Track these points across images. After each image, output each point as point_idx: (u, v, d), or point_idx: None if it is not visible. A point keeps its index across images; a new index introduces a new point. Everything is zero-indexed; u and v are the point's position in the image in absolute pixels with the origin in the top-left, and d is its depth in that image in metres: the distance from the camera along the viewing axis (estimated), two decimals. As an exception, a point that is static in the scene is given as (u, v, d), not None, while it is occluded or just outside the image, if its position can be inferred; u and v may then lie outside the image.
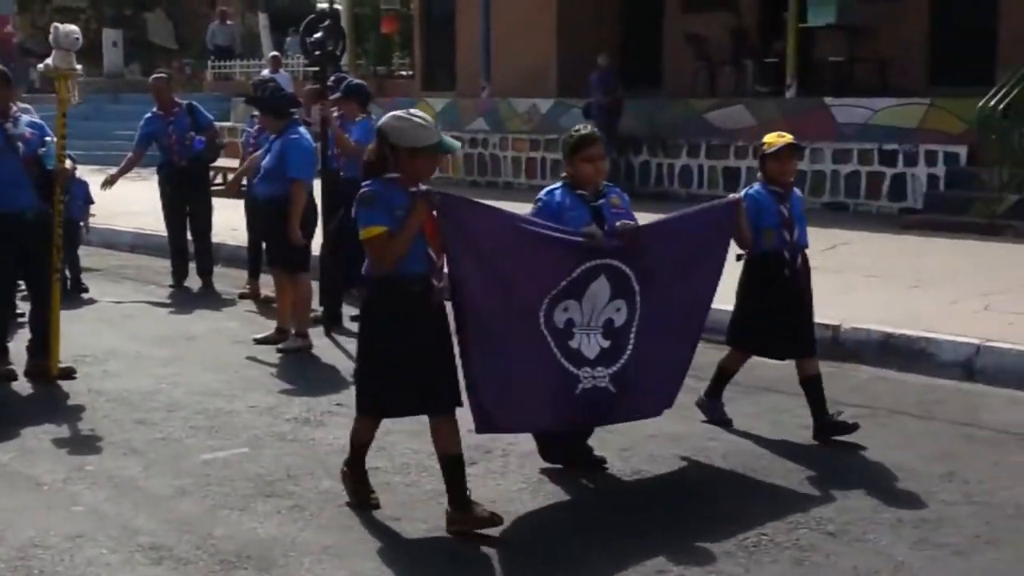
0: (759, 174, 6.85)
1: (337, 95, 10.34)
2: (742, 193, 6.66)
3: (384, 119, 5.37)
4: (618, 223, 5.86)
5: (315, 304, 9.68)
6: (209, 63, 30.32)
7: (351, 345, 9.16)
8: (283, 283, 9.30)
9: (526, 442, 6.54)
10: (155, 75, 12.47)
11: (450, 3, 22.69)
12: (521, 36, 20.42)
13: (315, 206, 9.49)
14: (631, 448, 6.51)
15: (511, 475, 6.13)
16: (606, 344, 5.88)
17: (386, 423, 6.89)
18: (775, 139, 6.85)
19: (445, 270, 5.43)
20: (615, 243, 5.81)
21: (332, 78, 10.82)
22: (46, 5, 37.81)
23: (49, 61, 8.15)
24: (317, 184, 9.62)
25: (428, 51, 24.03)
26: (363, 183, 5.37)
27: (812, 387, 6.79)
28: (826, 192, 15.81)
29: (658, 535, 5.29)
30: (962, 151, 14.66)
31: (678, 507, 5.66)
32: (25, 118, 8.26)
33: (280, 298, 9.44)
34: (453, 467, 5.41)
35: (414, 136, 5.26)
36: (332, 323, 9.67)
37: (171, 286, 11.82)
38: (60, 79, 8.19)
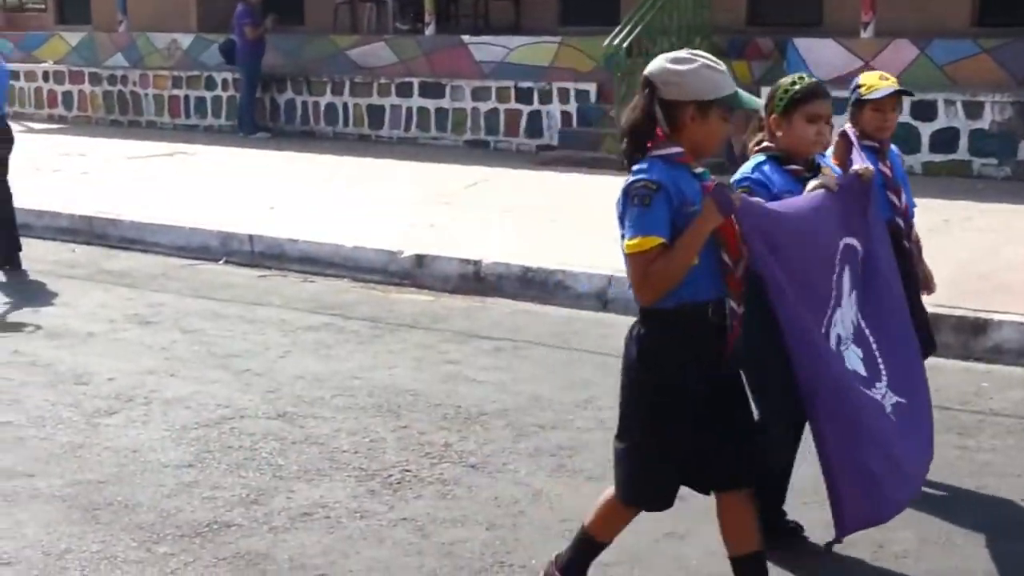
0: (848, 124, 4.92)
1: None
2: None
3: (653, 63, 3.76)
4: (856, 165, 4.31)
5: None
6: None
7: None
8: None
9: (169, 388, 6.45)
10: None
11: (82, -71, 21.65)
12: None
13: None
14: (277, 390, 6.49)
15: (153, 424, 5.99)
16: (860, 352, 4.21)
17: (14, 373, 6.68)
18: (876, 81, 5.00)
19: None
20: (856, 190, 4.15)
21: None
22: None
23: None
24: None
25: (61, -19, 22.89)
26: (632, 165, 3.77)
27: None
28: (467, 130, 16.07)
29: (301, 475, 5.30)
30: (592, 88, 15.20)
31: (322, 447, 5.67)
32: None
33: None
34: (756, 569, 4.01)
35: (702, 84, 3.68)
36: None
37: None
38: None
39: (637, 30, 13.72)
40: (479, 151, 15.60)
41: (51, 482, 5.21)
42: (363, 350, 7.35)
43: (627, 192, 3.70)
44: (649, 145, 3.73)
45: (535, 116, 15.57)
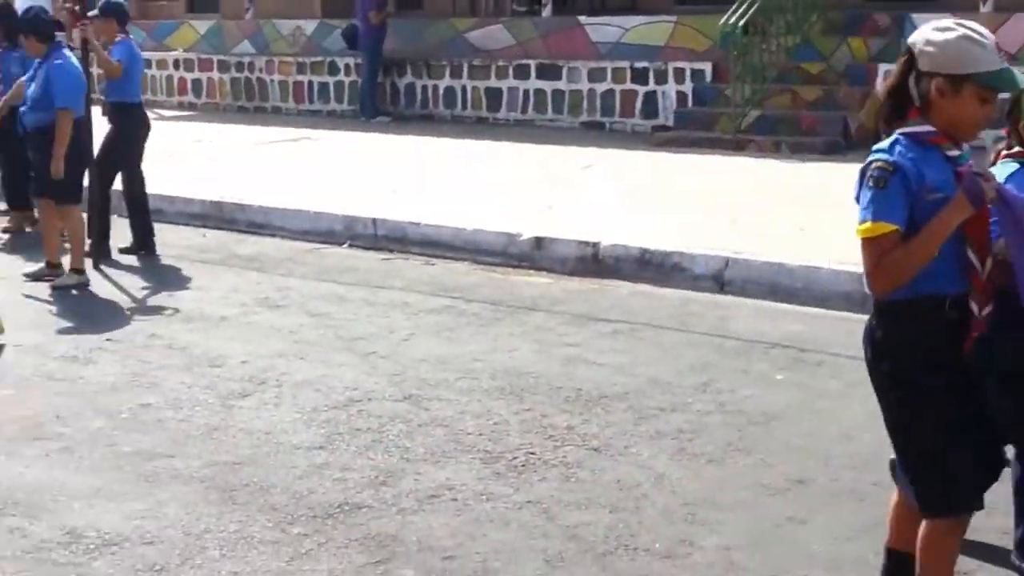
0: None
1: (94, 14, 10.04)
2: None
3: (918, 31, 3.51)
4: None
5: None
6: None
7: (123, 278, 9.08)
8: (50, 216, 9.06)
9: (299, 371, 6.67)
10: None
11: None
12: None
13: (89, 134, 9.22)
14: (402, 373, 6.65)
15: (285, 406, 6.20)
16: None
17: (152, 357, 6.93)
18: None
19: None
20: None
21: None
22: None
23: None
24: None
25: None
26: (876, 143, 3.51)
27: None
28: (583, 111, 16.12)
29: (428, 457, 5.45)
30: (707, 68, 15.15)
31: (447, 429, 5.81)
32: None
33: (47, 232, 9.18)
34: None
35: (956, 55, 3.39)
36: (100, 256, 9.50)
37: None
38: None
39: (753, 8, 13.66)
40: (595, 132, 15.66)
41: (189, 463, 5.43)
42: (484, 333, 7.48)
43: (863, 172, 3.46)
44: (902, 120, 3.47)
45: (651, 96, 15.57)
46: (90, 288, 8.79)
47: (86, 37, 9.59)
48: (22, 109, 9.09)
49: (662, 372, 6.61)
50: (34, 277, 8.97)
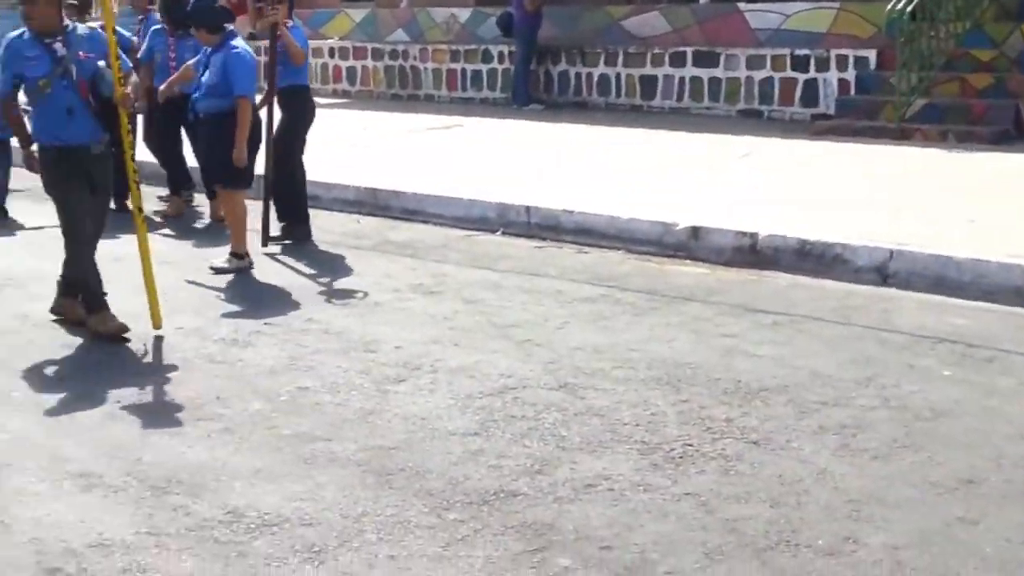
0: None
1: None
2: None
3: None
4: None
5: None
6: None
7: (280, 263, 9.21)
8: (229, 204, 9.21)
9: (453, 358, 6.66)
10: None
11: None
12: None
13: (259, 121, 9.34)
14: (557, 361, 6.60)
15: (440, 392, 6.19)
16: None
17: (309, 341, 7.00)
18: None
19: None
20: None
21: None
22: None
23: None
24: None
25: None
26: None
27: None
28: (740, 99, 15.89)
29: (584, 447, 5.39)
30: (872, 55, 14.80)
31: (604, 419, 5.74)
32: (83, 29, 7.34)
33: (229, 219, 9.24)
34: None
35: None
36: (270, 238, 9.72)
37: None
38: None
39: (922, -6, 13.29)
40: (752, 121, 15.43)
41: (346, 447, 5.45)
42: (640, 322, 7.39)
43: None
44: None
45: (811, 84, 15.29)
46: (251, 272, 8.92)
47: (275, 22, 9.70)
48: (194, 96, 9.16)
49: (823, 365, 6.44)
50: (221, 271, 8.98)
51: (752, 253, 8.84)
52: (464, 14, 19.48)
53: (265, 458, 5.33)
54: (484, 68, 18.75)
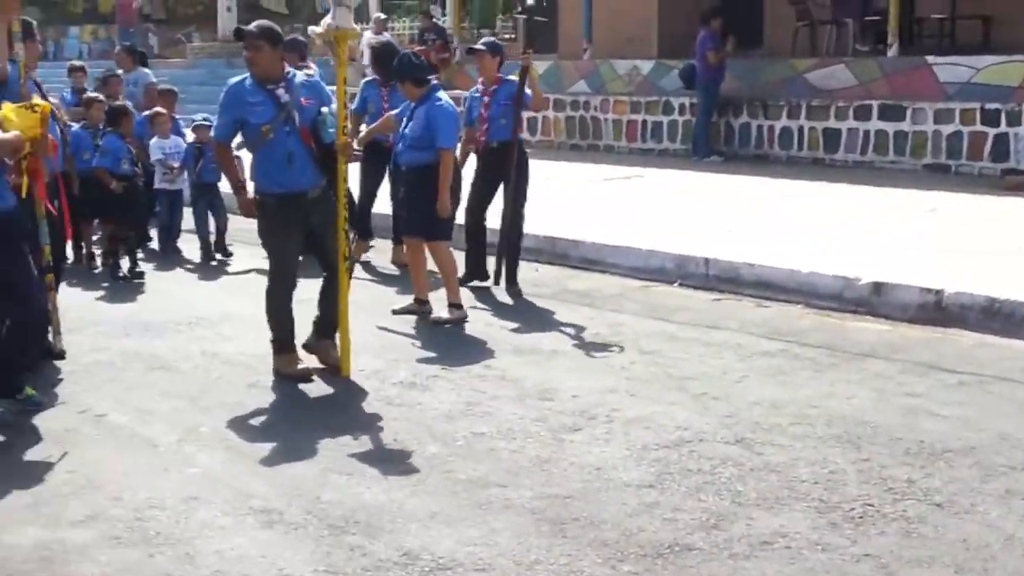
0: None
1: (482, 50, 10.34)
2: None
3: None
4: None
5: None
6: (318, 27, 30.44)
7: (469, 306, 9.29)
8: (420, 253, 9.13)
9: (630, 408, 6.64)
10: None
11: (554, -35, 22.66)
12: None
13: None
14: (734, 415, 6.53)
15: (615, 442, 6.17)
16: None
17: (486, 387, 7.06)
18: None
19: None
20: None
21: (433, 38, 10.88)
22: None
23: (327, 20, 7.35)
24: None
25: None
26: None
27: None
28: (927, 153, 15.56)
29: (760, 503, 5.31)
30: (1066, 109, 14.38)
31: (781, 475, 5.65)
32: (300, 76, 7.48)
33: (416, 269, 9.20)
34: None
35: None
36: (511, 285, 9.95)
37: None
38: (339, 40, 7.37)
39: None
40: (939, 175, 15.09)
41: (521, 493, 5.47)
42: (820, 378, 7.27)
43: None
44: None
45: (1001, 138, 14.88)
46: (430, 316, 9.01)
47: (527, 65, 9.81)
48: (398, 148, 9.19)
49: (1013, 428, 6.23)
50: (403, 312, 9.10)
51: (937, 310, 8.62)
52: (646, 66, 19.53)
53: (441, 502, 5.39)
54: (665, 119, 18.75)
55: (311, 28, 7.69)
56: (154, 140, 12.14)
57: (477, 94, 10.18)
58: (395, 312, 9.11)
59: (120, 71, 14.28)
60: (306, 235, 7.42)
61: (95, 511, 5.32)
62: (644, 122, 19.06)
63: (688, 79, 18.11)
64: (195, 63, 32.05)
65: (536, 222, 12.15)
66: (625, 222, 12.10)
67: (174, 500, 5.45)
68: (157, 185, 12.15)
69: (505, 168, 9.85)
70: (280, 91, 7.18)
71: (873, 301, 8.98)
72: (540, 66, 21.04)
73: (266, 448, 6.16)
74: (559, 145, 20.18)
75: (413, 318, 8.99)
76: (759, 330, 8.51)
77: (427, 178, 8.83)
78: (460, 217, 9.85)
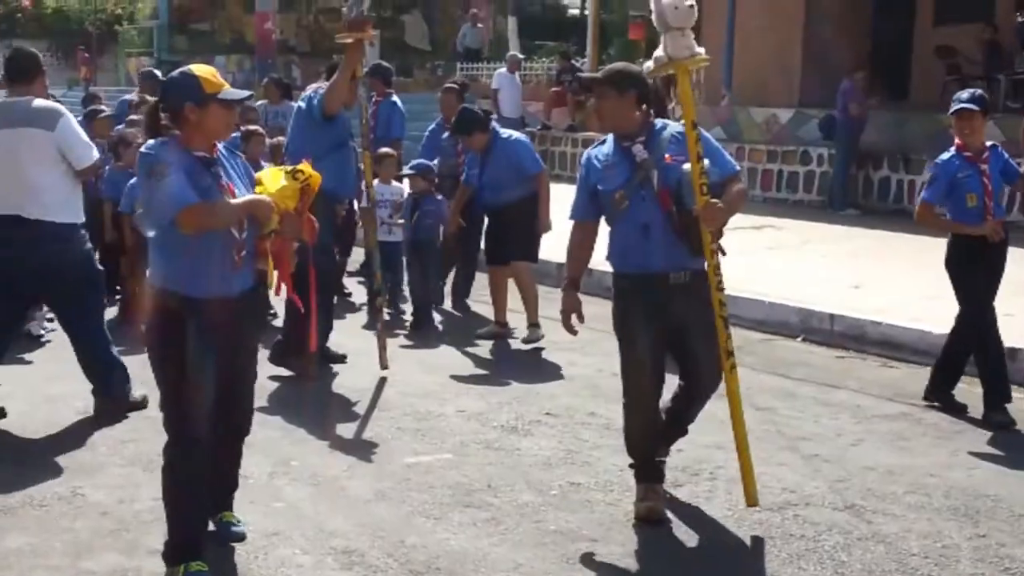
0: None
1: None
2: None
3: None
4: None
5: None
6: (458, 65, 30.66)
7: (578, 351, 9.13)
8: (502, 280, 9.59)
9: (734, 465, 6.35)
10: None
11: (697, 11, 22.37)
12: (765, 45, 19.94)
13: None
14: (846, 480, 6.20)
15: (717, 501, 5.90)
16: None
17: (588, 435, 6.83)
18: None
19: None
20: None
21: (569, 79, 10.86)
22: (311, 4, 38.86)
23: (659, 53, 5.64)
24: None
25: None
26: None
27: None
28: (1074, 215, 14.96)
29: (863, 574, 5.00)
30: None
31: (889, 546, 5.32)
32: (675, 127, 5.74)
33: (498, 294, 9.65)
34: None
35: None
36: None
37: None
38: (681, 71, 5.66)
39: None
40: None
41: (612, 549, 5.25)
42: (941, 446, 6.90)
43: None
44: None
45: None
46: (543, 357, 8.97)
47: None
48: (482, 193, 9.66)
49: None
50: (485, 336, 9.55)
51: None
52: (786, 115, 19.16)
53: (527, 552, 5.19)
54: (801, 170, 18.34)
55: (645, 64, 5.90)
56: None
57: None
58: (479, 336, 9.53)
59: (264, 101, 14.45)
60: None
61: (174, 540, 5.22)
62: (780, 171, 18.66)
63: (828, 130, 17.69)
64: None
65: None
66: (752, 272, 11.77)
67: (256, 535, 5.33)
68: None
69: None
70: (637, 147, 5.66)
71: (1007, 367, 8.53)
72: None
73: (354, 486, 6.02)
74: (692, 192, 19.87)
75: (525, 351, 9.19)
76: (882, 392, 8.14)
77: (522, 208, 9.28)
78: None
